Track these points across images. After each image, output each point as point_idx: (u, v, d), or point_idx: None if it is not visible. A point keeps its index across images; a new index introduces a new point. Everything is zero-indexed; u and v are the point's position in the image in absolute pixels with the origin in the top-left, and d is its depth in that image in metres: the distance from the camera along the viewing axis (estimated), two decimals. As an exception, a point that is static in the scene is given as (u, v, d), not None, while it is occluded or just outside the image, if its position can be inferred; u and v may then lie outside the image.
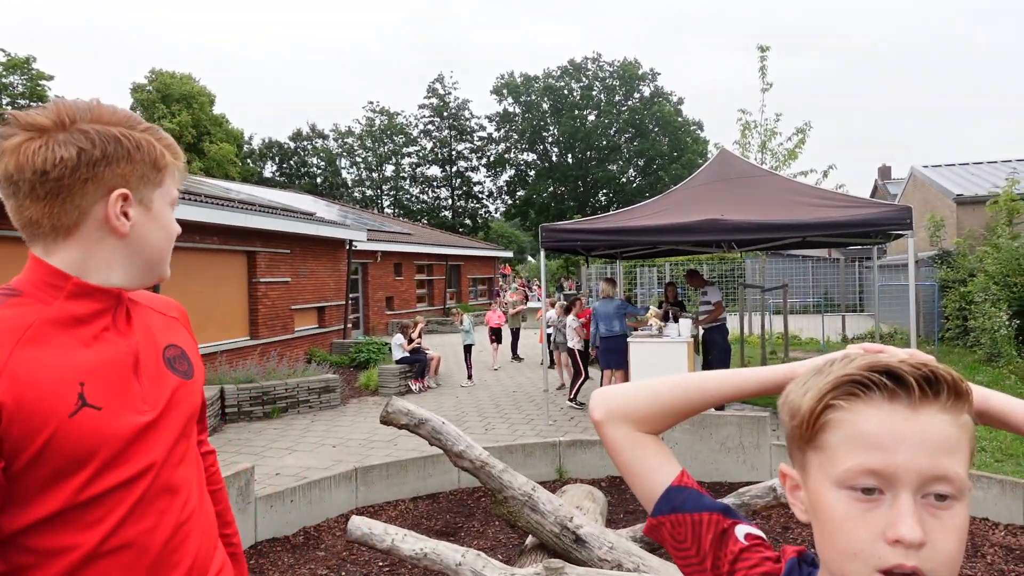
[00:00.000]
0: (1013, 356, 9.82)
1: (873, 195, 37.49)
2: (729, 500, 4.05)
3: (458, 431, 4.60)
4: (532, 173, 50.83)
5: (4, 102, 37.19)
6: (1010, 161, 18.09)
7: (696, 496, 0.86)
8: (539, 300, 25.01)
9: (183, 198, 10.20)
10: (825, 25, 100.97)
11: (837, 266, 21.49)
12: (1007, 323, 10.07)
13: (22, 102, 37.70)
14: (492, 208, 54.99)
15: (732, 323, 13.45)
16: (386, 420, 4.58)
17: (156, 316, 1.32)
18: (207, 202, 10.74)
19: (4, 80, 36.64)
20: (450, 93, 52.18)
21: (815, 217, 7.45)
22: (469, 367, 12.08)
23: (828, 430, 0.70)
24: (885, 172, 38.06)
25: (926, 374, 0.66)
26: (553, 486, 5.93)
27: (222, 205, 11.14)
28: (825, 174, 14.50)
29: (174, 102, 40.54)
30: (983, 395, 0.80)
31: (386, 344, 13.34)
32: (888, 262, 19.13)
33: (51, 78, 38.04)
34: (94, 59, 74.44)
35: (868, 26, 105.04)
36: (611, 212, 9.61)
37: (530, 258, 63.20)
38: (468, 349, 12.19)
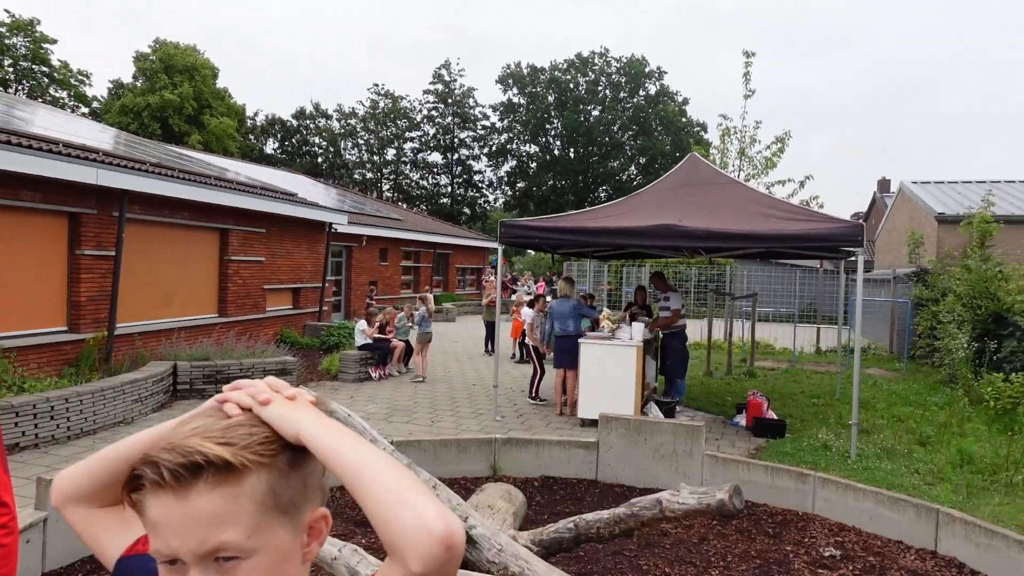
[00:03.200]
0: (968, 379, 9.80)
1: (871, 208, 37.39)
2: (620, 510, 4.05)
3: (364, 424, 4.59)
4: (533, 165, 50.74)
5: (6, 64, 37.10)
6: (998, 182, 18.00)
7: (146, 560, 0.86)
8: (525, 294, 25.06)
9: (155, 172, 10.18)
10: (851, 31, 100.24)
11: (819, 277, 21.45)
12: (965, 346, 10.05)
13: (24, 64, 37.62)
14: (491, 198, 54.97)
15: (702, 329, 13.45)
16: (290, 409, 4.58)
17: None
18: (179, 177, 10.72)
19: (7, 41, 36.50)
20: (456, 80, 52.07)
21: (768, 229, 7.41)
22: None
23: (141, 515, 0.76)
24: (884, 185, 37.96)
25: (185, 462, 0.71)
26: (485, 483, 5.93)
27: (194, 181, 11.11)
28: (802, 184, 14.45)
29: (176, 73, 40.41)
30: (311, 436, 0.77)
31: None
32: (872, 276, 19.09)
33: (54, 42, 37.95)
34: (98, 24, 74.11)
35: (894, 35, 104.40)
36: (574, 212, 9.56)
37: (530, 251, 63.20)
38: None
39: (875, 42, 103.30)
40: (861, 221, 7.20)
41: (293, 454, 0.77)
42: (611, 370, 8.31)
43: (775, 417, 8.44)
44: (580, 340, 8.58)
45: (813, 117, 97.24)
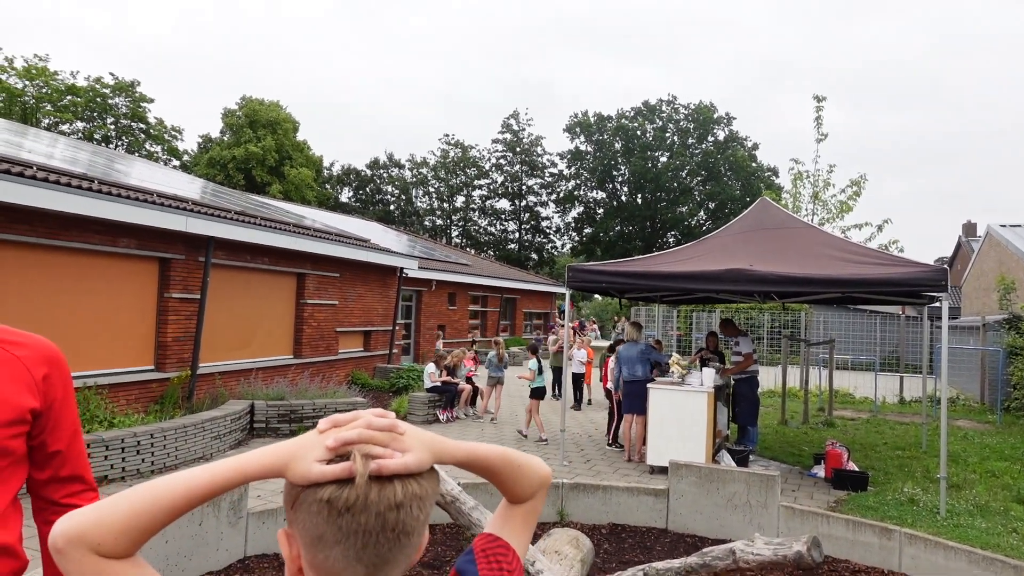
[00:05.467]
0: (1071, 433, 9.14)
1: (956, 252, 35.78)
2: (691, 559, 3.94)
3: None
4: (600, 211, 50.86)
5: (108, 122, 40.01)
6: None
7: None
8: (595, 339, 24.89)
9: (238, 220, 10.72)
10: (926, 75, 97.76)
11: (900, 323, 20.52)
12: (1067, 397, 9.39)
13: (124, 122, 40.48)
14: (559, 244, 55.23)
15: (771, 375, 13.02)
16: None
17: None
18: (260, 224, 11.26)
19: (110, 101, 39.44)
20: (524, 129, 53.09)
21: (844, 273, 7.21)
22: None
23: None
24: (970, 229, 36.36)
25: None
26: (552, 528, 5.87)
27: (274, 228, 11.64)
28: (880, 228, 13.98)
29: (260, 127, 42.65)
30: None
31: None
32: (958, 323, 18.16)
33: (151, 101, 40.75)
34: (191, 84, 79.30)
35: (975, 77, 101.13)
36: (643, 256, 9.52)
37: (596, 296, 62.91)
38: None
39: (948, 91, 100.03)
40: (945, 266, 6.94)
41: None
42: (681, 416, 8.14)
43: (856, 469, 8.05)
44: (649, 385, 8.46)
45: (886, 163, 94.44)
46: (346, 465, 0.76)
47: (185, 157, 44.87)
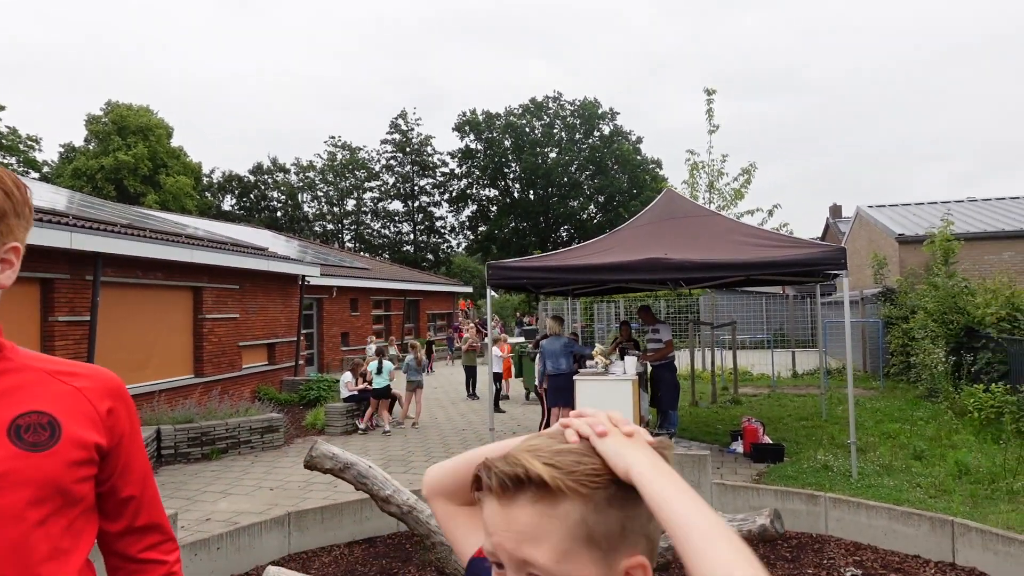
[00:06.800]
0: (950, 392, 10.05)
1: (825, 233, 38.53)
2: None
3: (385, 475, 4.51)
4: (494, 209, 51.15)
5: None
6: (948, 202, 18.77)
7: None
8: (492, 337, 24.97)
9: (128, 233, 10.00)
10: (793, 69, 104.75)
11: (788, 302, 21.90)
12: (944, 360, 10.33)
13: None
14: (454, 243, 55.15)
15: (683, 359, 13.58)
16: (310, 464, 4.47)
17: (41, 381, 1.17)
18: (153, 237, 10.53)
19: (-48, 110, 35.80)
20: (413, 129, 52.58)
21: (754, 256, 7.58)
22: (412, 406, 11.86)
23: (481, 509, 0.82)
24: (836, 211, 39.15)
25: (510, 473, 0.75)
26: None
27: (168, 240, 10.93)
28: (770, 213, 14.87)
29: (130, 134, 39.99)
30: (642, 477, 0.74)
31: (337, 381, 13.12)
32: (836, 299, 19.56)
33: (2, 108, 37.27)
34: (48, 88, 73.26)
35: (834, 70, 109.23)
36: (558, 251, 9.66)
37: (493, 293, 63.30)
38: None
39: (808, 81, 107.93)
40: (844, 245, 7.41)
41: (617, 491, 0.75)
42: (608, 405, 8.27)
43: (771, 442, 8.51)
44: (575, 377, 8.58)
45: (756, 152, 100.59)
46: None
47: (45, 169, 41.38)
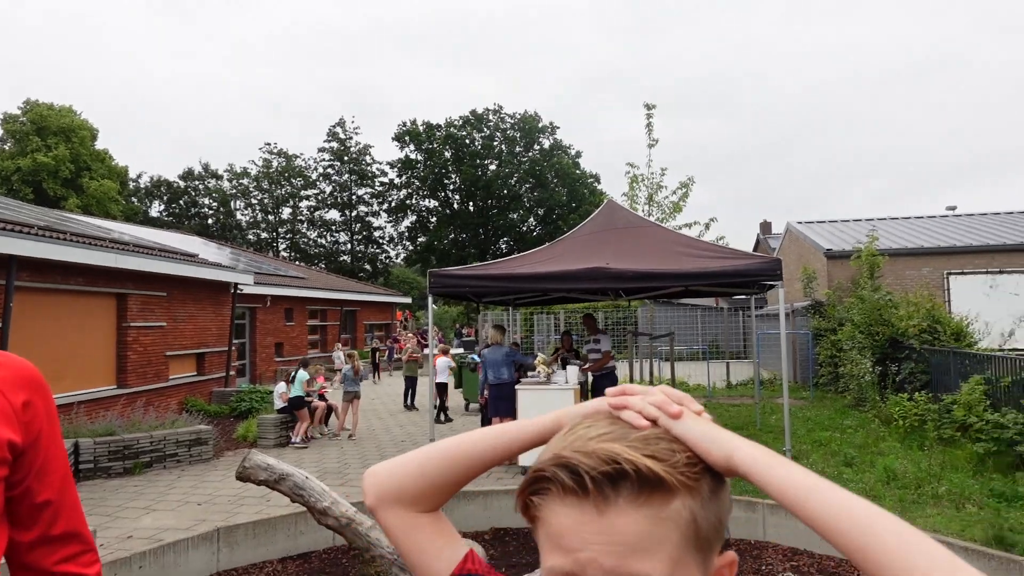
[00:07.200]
0: (876, 401, 10.43)
1: (756, 248, 39.75)
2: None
3: (323, 487, 4.33)
4: (433, 220, 50.86)
5: None
6: (872, 219, 19.62)
7: None
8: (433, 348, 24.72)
9: (46, 236, 9.45)
10: (724, 90, 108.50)
11: (722, 315, 22.43)
12: (871, 370, 10.71)
13: None
14: (392, 254, 54.54)
15: (623, 370, 13.70)
16: (243, 476, 4.26)
17: None
18: (73, 241, 9.98)
19: None
20: (351, 137, 51.88)
21: (694, 267, 7.70)
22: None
23: (537, 525, 0.66)
24: (766, 227, 40.51)
25: (610, 470, 0.61)
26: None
27: (89, 244, 10.38)
28: (707, 226, 15.22)
29: (51, 135, 38.12)
30: (757, 463, 0.65)
31: (270, 392, 12.71)
32: (768, 311, 20.15)
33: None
34: (-37, 86, 69.29)
35: (766, 92, 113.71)
36: (500, 259, 9.62)
37: (433, 306, 62.86)
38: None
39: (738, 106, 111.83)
40: (779, 257, 7.60)
41: (713, 480, 0.65)
42: (550, 415, 8.26)
43: (709, 450, 8.61)
44: (517, 387, 8.51)
45: (693, 169, 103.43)
46: None
47: (-45, 169, 39.01)
